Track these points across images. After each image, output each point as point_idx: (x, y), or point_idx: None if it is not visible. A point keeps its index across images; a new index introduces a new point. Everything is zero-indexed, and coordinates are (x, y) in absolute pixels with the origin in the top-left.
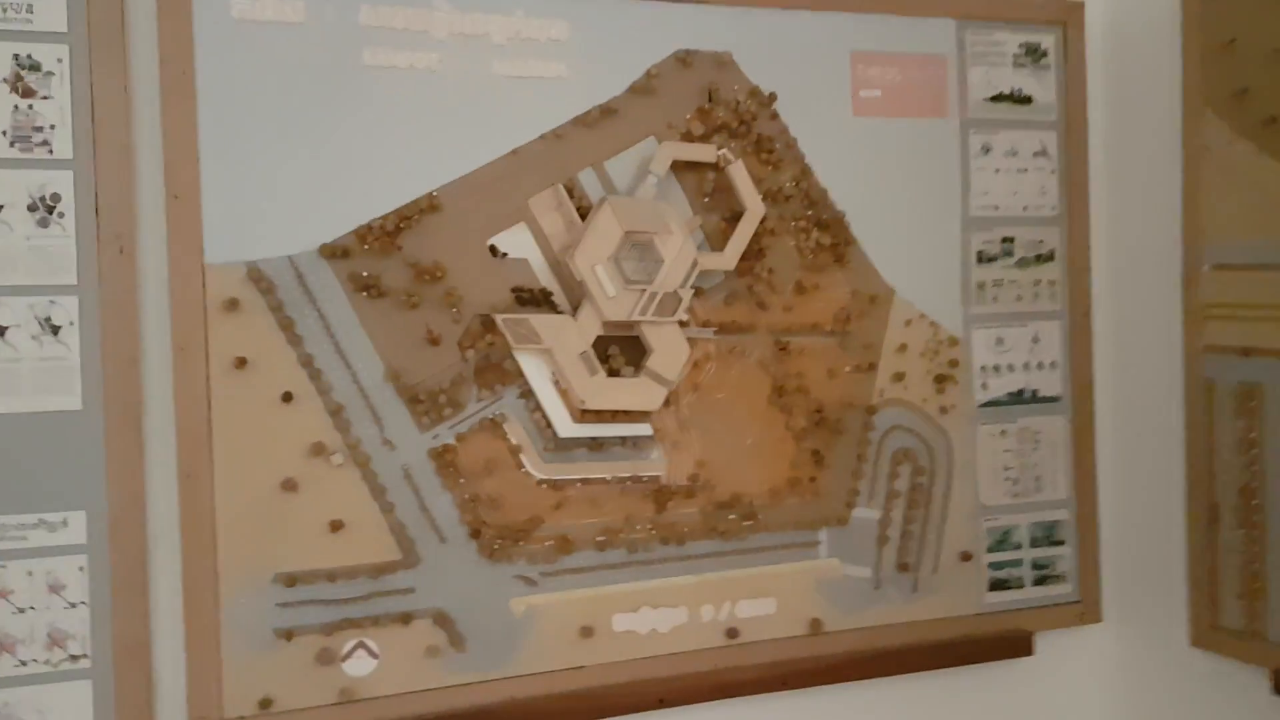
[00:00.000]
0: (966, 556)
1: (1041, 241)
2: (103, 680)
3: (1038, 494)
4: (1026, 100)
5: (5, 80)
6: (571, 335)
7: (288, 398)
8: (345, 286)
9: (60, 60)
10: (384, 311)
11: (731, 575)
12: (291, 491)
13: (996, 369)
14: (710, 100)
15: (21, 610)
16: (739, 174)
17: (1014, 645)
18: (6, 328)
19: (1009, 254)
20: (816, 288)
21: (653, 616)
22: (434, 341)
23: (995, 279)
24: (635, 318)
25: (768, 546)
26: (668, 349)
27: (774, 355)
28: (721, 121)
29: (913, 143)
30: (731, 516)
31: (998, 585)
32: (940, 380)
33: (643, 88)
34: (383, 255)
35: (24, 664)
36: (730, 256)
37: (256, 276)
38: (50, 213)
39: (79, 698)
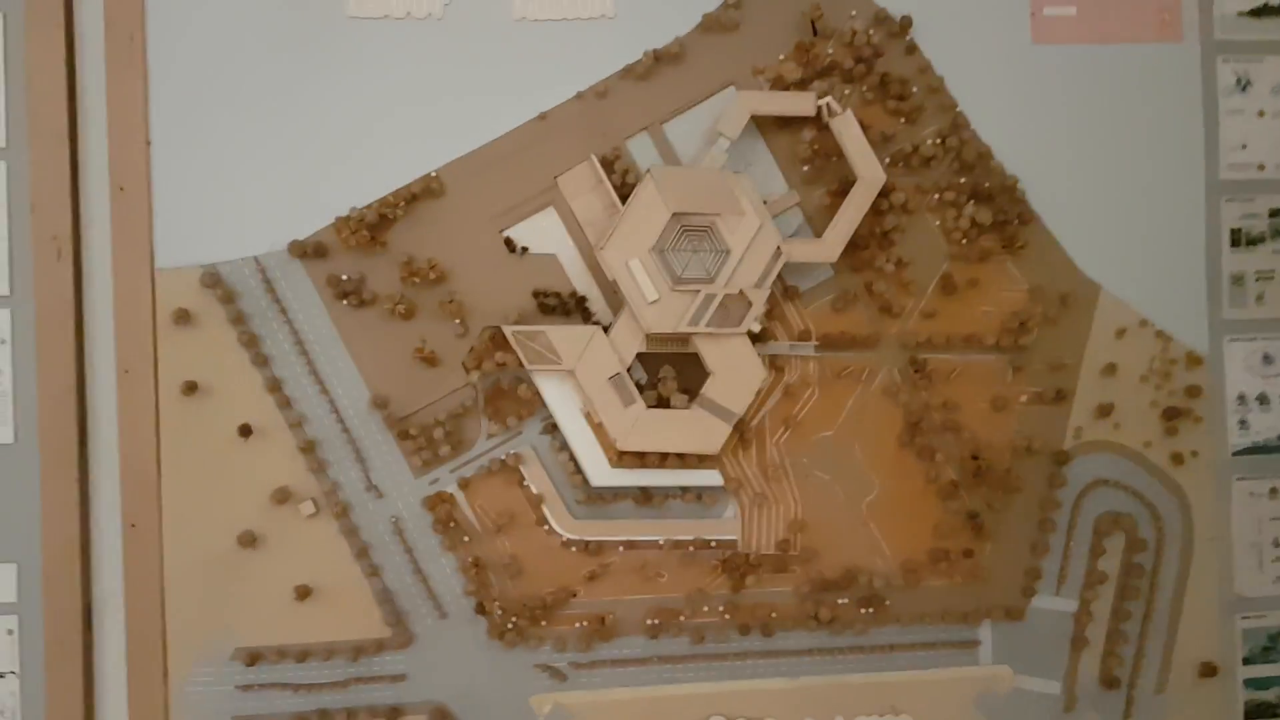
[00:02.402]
0: (1210, 670)
1: None
2: None
3: None
4: None
5: None
6: (601, 353)
7: (245, 431)
8: (322, 293)
9: None
10: (370, 324)
11: (846, 681)
12: (250, 547)
13: (1263, 400)
14: (814, 33)
15: None
16: (847, 129)
17: None
18: None
19: None
20: (974, 285)
21: None
22: (430, 361)
23: (1261, 269)
24: (686, 329)
25: (901, 644)
26: (732, 371)
27: (907, 379)
28: (830, 61)
29: (1127, 78)
30: (843, 601)
31: (1260, 711)
32: (1173, 415)
33: (718, 22)
34: (368, 253)
35: None
36: (832, 244)
37: (213, 281)
38: None
39: None
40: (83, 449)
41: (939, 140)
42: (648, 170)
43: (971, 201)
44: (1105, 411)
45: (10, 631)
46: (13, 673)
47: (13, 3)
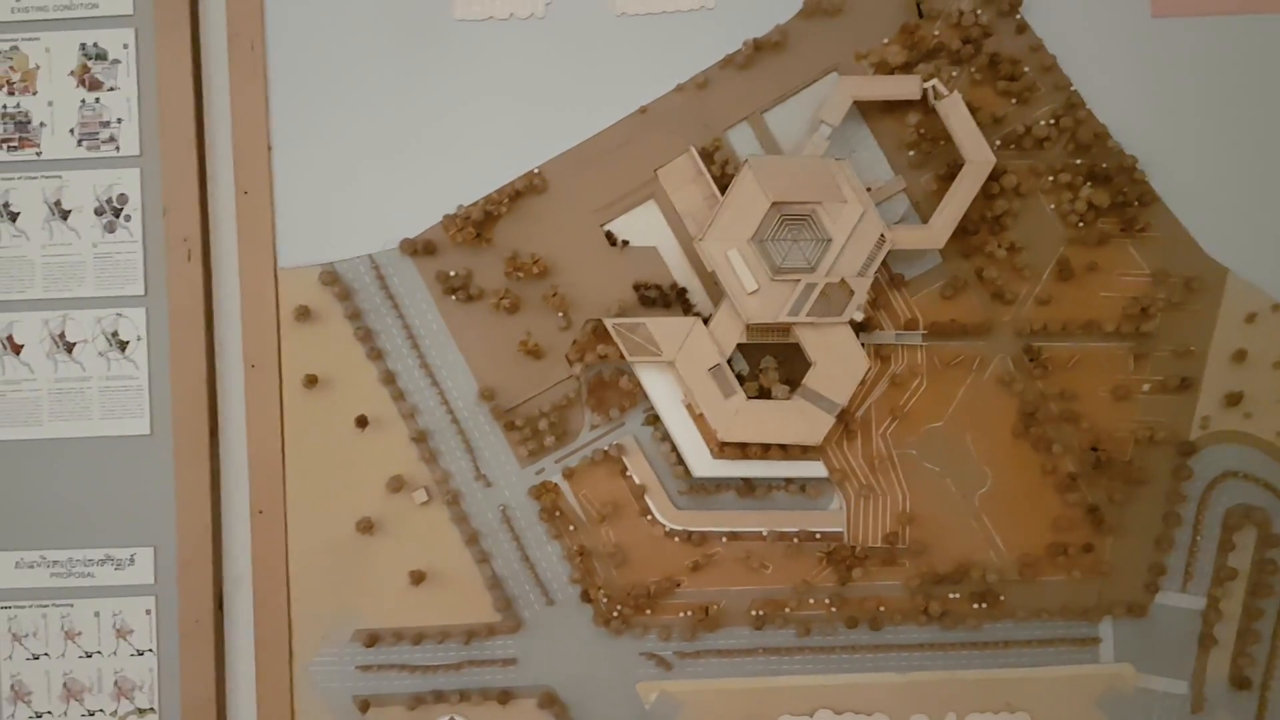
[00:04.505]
0: None
1: None
2: None
3: None
4: None
5: (72, 73)
6: (700, 344)
7: (362, 422)
8: (432, 289)
9: (126, 46)
10: (477, 318)
11: (959, 677)
12: (368, 533)
13: None
14: (919, 14)
15: (89, 654)
16: (955, 111)
17: None
18: (74, 344)
19: None
20: (1093, 269)
21: None
22: (535, 353)
23: None
24: (787, 319)
25: (1016, 640)
26: (835, 361)
27: (1022, 368)
28: (936, 42)
29: (1257, 51)
30: (955, 595)
31: None
32: None
33: (820, 7)
34: (474, 249)
35: (91, 714)
36: (940, 230)
37: (331, 280)
38: (117, 216)
39: None
40: (213, 440)
41: (1053, 121)
42: (745, 160)
43: (1088, 183)
44: (1235, 400)
45: (148, 612)
46: (150, 650)
47: (144, 20)
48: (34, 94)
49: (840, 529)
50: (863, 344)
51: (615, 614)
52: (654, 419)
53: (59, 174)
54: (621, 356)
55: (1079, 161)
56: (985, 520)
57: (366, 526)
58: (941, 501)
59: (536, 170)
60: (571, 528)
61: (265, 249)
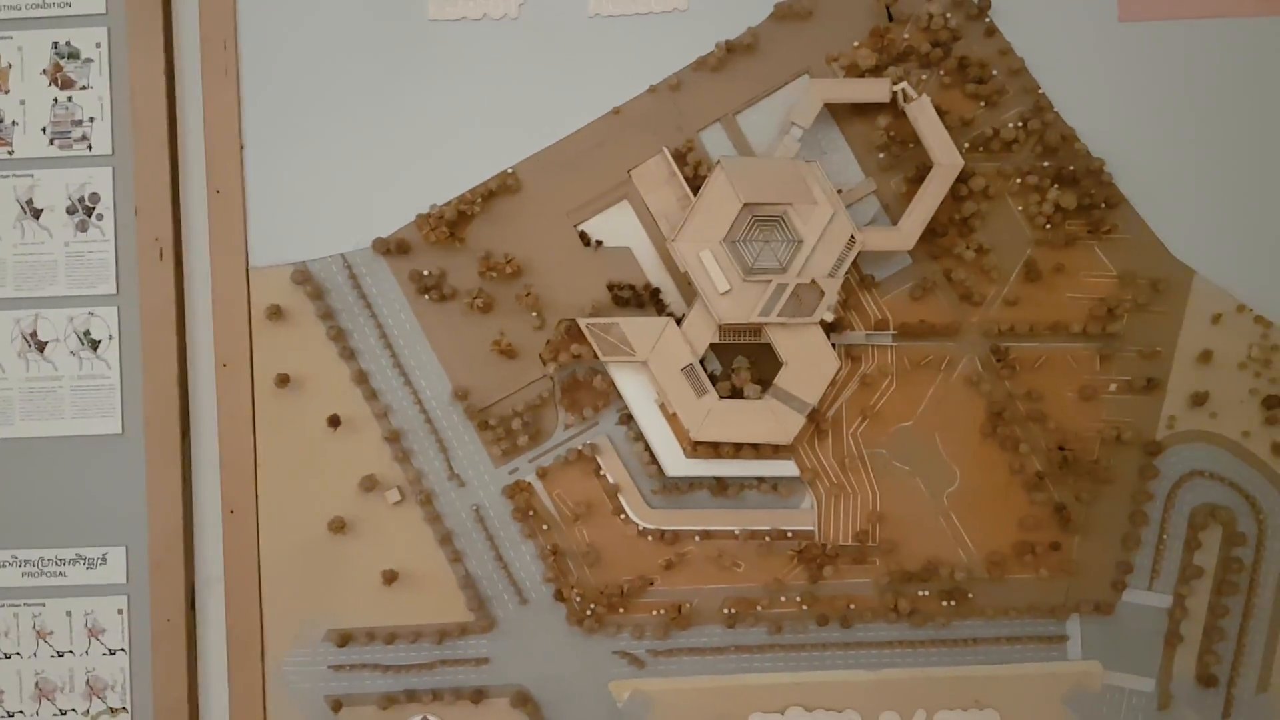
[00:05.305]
0: None
1: None
2: None
3: None
4: None
5: (44, 72)
6: (673, 344)
7: (335, 422)
8: (405, 288)
9: (99, 45)
10: (450, 317)
11: (928, 674)
12: (340, 533)
13: None
14: (889, 18)
15: (61, 654)
16: (924, 114)
17: None
18: (46, 343)
19: None
20: (1059, 271)
21: None
22: (509, 353)
23: None
24: (758, 319)
25: (984, 638)
26: (806, 361)
27: (990, 368)
28: (906, 46)
29: (1222, 54)
30: (924, 593)
31: None
32: (1274, 404)
33: (791, 10)
34: (448, 248)
35: (63, 713)
36: (909, 232)
37: (304, 279)
38: (89, 215)
39: None
40: (185, 439)
41: (1020, 124)
42: (718, 161)
43: (1055, 185)
44: (1200, 400)
45: (120, 611)
46: (122, 650)
47: (116, 19)
48: (6, 92)
49: (811, 527)
50: (833, 344)
51: (588, 613)
52: (627, 418)
53: (31, 173)
54: (595, 356)
55: (1046, 164)
56: (954, 519)
57: (339, 526)
58: (911, 500)
59: (510, 170)
60: (545, 527)
61: (237, 248)
